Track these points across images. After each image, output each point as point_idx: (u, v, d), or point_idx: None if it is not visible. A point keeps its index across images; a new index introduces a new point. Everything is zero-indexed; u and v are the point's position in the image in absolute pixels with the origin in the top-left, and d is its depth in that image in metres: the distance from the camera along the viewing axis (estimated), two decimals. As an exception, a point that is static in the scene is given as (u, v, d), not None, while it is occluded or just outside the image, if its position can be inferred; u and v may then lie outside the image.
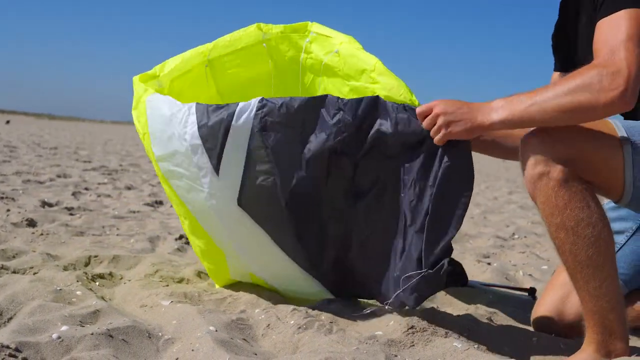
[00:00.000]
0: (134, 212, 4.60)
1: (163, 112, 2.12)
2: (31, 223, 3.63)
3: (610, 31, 1.79)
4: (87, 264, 2.76)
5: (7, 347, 1.64)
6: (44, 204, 4.47)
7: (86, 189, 5.75)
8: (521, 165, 1.83)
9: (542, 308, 2.26)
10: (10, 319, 1.97)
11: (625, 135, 1.82)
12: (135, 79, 2.29)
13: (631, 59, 1.71)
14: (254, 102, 2.02)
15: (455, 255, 2.58)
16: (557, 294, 2.24)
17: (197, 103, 2.07)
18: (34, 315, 1.93)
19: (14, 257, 2.78)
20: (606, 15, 1.82)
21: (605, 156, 1.81)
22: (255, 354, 1.80)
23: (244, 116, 2.01)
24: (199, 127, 2.03)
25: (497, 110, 1.83)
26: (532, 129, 1.86)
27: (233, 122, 2.00)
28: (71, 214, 4.16)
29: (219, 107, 2.04)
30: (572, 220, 1.76)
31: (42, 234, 3.29)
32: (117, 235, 3.55)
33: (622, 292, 1.83)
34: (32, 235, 3.25)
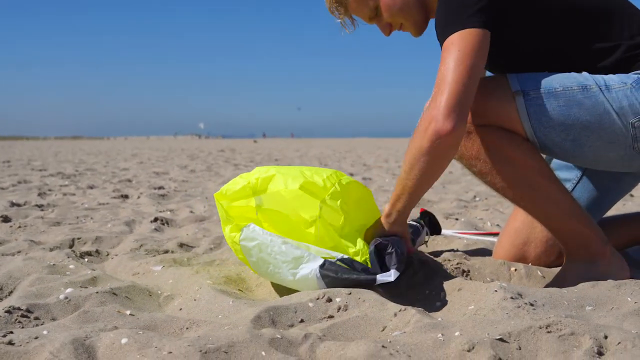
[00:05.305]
0: (103, 204, 4.61)
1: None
2: (6, 219, 3.62)
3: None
4: (71, 246, 2.80)
5: (18, 308, 1.69)
6: (13, 204, 4.44)
7: (50, 190, 5.72)
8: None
9: (502, 252, 2.34)
10: (11, 292, 2.01)
11: (518, 88, 1.82)
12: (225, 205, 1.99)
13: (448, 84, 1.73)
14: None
15: (421, 214, 2.73)
16: (514, 241, 2.32)
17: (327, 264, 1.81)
18: (35, 285, 1.99)
19: (-2, 245, 2.80)
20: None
21: (500, 111, 1.84)
22: (253, 300, 1.89)
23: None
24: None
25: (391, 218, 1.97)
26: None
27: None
28: (42, 210, 4.17)
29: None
30: (487, 163, 1.88)
31: (20, 227, 3.30)
32: (94, 222, 3.57)
33: (577, 204, 1.93)
34: (10, 229, 3.26)
